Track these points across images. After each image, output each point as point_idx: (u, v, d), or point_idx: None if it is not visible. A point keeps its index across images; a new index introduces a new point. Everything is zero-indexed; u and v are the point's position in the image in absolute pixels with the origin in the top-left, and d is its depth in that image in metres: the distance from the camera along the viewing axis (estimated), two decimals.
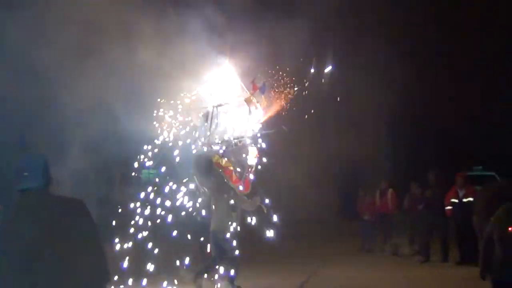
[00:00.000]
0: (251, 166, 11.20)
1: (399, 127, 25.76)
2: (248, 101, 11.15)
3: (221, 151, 11.13)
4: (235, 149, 11.40)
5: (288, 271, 12.53)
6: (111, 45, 10.20)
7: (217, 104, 11.19)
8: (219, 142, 11.24)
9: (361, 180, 19.68)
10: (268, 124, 11.56)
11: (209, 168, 11.01)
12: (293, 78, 11.65)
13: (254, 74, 11.35)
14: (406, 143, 25.42)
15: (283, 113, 11.78)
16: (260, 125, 11.47)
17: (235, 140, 11.39)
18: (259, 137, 11.33)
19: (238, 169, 11.26)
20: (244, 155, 11.28)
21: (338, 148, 20.56)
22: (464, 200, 13.86)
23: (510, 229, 6.19)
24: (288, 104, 11.76)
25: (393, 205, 17.14)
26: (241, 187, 11.00)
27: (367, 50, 21.56)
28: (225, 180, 11.05)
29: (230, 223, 10.88)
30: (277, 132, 11.61)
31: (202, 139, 11.27)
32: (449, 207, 14.15)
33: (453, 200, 14.10)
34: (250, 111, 11.19)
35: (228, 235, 10.80)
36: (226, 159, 11.14)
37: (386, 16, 22.44)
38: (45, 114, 11.19)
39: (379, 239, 17.24)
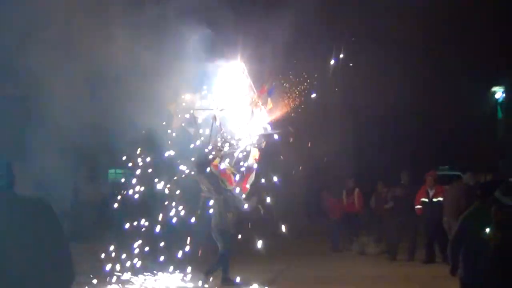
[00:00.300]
0: (250, 167, 11.50)
1: (365, 127, 25.89)
2: (253, 103, 11.37)
3: (221, 152, 11.52)
4: (235, 150, 11.64)
5: (256, 271, 12.48)
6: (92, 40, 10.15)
7: (221, 108, 11.65)
8: (221, 143, 11.67)
9: (328, 179, 19.69)
10: (273, 125, 11.76)
11: (203, 167, 11.47)
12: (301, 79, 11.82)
13: (261, 73, 11.53)
14: (372, 142, 25.57)
15: (291, 115, 11.96)
16: (265, 127, 11.71)
17: (235, 141, 11.64)
18: (262, 138, 11.60)
19: (241, 168, 11.73)
20: (244, 157, 11.58)
21: (306, 148, 20.55)
22: (434, 199, 13.99)
23: (487, 230, 6.12)
24: (297, 106, 11.93)
25: (359, 205, 17.21)
26: (238, 189, 11.60)
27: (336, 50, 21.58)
28: (220, 181, 11.50)
29: (224, 221, 11.57)
30: (283, 133, 11.82)
31: (202, 138, 11.67)
32: (419, 206, 14.27)
33: (423, 199, 14.23)
34: (252, 113, 11.43)
35: (222, 232, 11.60)
36: (224, 161, 11.57)
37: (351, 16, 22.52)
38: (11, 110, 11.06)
39: (346, 238, 17.28)
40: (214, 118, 11.54)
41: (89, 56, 10.09)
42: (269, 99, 11.65)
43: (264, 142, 11.76)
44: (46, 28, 9.87)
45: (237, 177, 11.62)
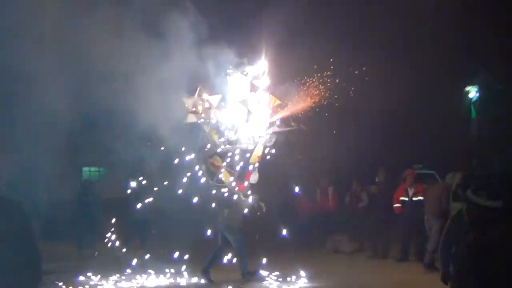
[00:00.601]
0: (253, 166, 11.59)
1: (341, 124, 25.94)
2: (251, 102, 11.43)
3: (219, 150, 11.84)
4: (237, 148, 11.73)
5: (229, 269, 12.47)
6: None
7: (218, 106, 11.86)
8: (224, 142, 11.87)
9: (303, 178, 19.71)
10: (285, 123, 11.80)
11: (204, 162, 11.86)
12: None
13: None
14: (348, 140, 25.62)
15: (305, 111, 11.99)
16: (273, 125, 11.76)
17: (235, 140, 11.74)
18: (272, 137, 11.66)
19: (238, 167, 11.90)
20: (246, 155, 11.66)
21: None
22: (414, 198, 14.00)
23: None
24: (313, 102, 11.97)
25: (334, 203, 17.25)
26: (234, 184, 11.81)
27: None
28: (215, 179, 11.84)
29: (223, 218, 11.87)
30: (295, 130, 11.88)
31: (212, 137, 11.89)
32: (397, 205, 14.32)
33: (402, 198, 14.24)
34: (249, 112, 11.48)
35: (228, 227, 11.90)
36: (218, 157, 11.90)
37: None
38: None
39: (320, 236, 17.28)
40: (209, 107, 11.66)
41: (77, 52, 10.00)
42: (270, 96, 11.73)
43: (274, 139, 11.87)
44: (30, 20, 9.77)
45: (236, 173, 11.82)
